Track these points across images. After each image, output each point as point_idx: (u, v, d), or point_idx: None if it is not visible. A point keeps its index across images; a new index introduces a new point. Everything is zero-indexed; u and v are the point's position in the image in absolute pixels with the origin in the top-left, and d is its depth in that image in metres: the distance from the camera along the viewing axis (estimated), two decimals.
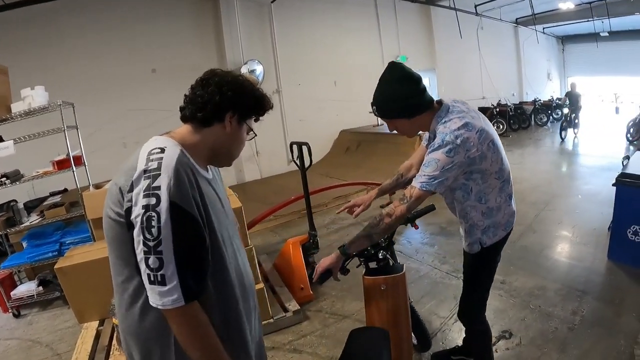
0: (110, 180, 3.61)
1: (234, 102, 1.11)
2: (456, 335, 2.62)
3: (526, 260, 3.48)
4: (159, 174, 0.95)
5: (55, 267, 2.85)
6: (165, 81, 6.26)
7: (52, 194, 4.24)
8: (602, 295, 2.92)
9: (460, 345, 2.36)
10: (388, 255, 1.93)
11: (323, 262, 1.66)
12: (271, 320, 2.85)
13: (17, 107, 3.38)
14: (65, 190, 4.37)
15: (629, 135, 8.68)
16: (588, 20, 11.99)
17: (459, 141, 1.46)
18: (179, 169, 0.98)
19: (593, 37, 14.44)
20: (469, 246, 1.80)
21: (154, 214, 0.92)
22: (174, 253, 0.94)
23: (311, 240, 3.57)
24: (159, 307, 0.96)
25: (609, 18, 10.79)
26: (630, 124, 8.75)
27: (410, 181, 2.00)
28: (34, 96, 3.35)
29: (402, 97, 1.57)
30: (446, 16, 10.65)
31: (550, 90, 15.60)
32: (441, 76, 11.08)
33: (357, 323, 2.86)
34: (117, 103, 6.21)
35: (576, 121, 9.81)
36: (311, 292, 3.27)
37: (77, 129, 3.62)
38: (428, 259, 3.82)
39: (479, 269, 1.85)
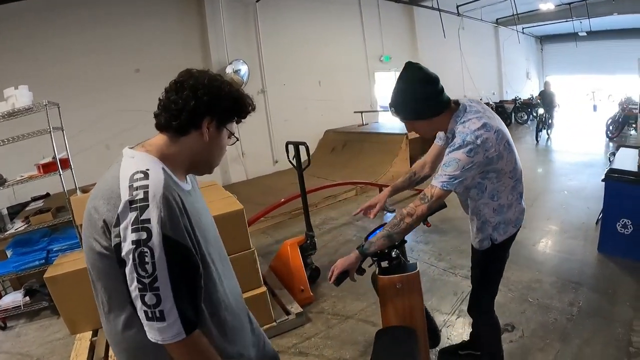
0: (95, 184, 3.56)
1: (210, 106, 1.05)
2: (460, 330, 2.72)
3: (520, 255, 3.61)
4: (147, 205, 0.91)
5: (45, 276, 2.77)
6: (149, 81, 6.11)
7: (35, 199, 4.12)
8: (596, 286, 3.07)
9: (467, 340, 2.43)
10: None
11: (341, 263, 1.68)
12: (274, 323, 2.85)
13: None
14: (48, 195, 4.26)
15: (608, 132, 9.09)
16: (567, 21, 12.47)
17: (479, 141, 1.50)
18: (167, 197, 0.94)
19: (571, 36, 15.07)
20: (479, 242, 1.85)
21: (146, 249, 0.89)
22: (171, 288, 0.91)
23: (308, 241, 3.59)
24: (159, 342, 0.93)
25: (588, 18, 11.25)
26: (609, 122, 9.17)
27: (423, 179, 2.07)
28: (18, 96, 3.26)
29: (421, 98, 1.59)
30: (428, 16, 10.89)
31: (529, 88, 16.11)
32: None
33: (360, 323, 2.91)
34: (100, 104, 6.10)
35: (550, 121, 9.88)
36: (311, 293, 3.30)
37: (62, 131, 3.55)
38: (424, 257, 3.92)
39: (489, 265, 1.91)
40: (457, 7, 11.17)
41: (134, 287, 0.90)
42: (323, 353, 2.65)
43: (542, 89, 10.40)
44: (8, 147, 3.40)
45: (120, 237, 0.90)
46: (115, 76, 6.25)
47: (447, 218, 4.28)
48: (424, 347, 1.84)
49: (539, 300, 2.95)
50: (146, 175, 0.95)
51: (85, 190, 3.45)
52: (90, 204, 0.99)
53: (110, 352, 2.60)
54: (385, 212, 5.05)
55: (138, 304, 0.91)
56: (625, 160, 3.71)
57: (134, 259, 0.89)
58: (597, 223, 4.16)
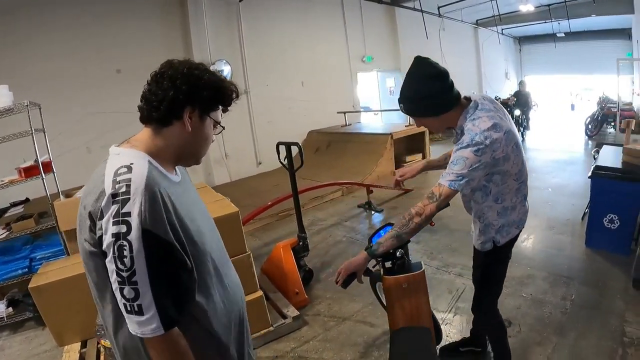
0: (79, 187, 3.46)
1: (190, 95, 1.05)
2: (459, 327, 2.78)
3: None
4: (129, 199, 0.91)
5: (30, 286, 2.67)
6: (131, 82, 5.92)
7: (14, 205, 3.99)
8: (586, 280, 3.20)
9: (467, 337, 2.49)
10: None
11: (349, 265, 1.69)
12: (271, 328, 2.83)
13: None
14: (27, 200, 4.13)
15: (588, 130, 9.43)
16: (546, 22, 12.89)
17: (488, 142, 1.50)
18: (150, 189, 0.95)
19: (550, 37, 15.55)
20: (482, 244, 1.86)
21: (125, 242, 0.90)
22: (150, 283, 0.92)
23: (301, 243, 3.60)
24: (139, 335, 0.95)
25: (568, 19, 11.62)
26: (588, 120, 9.53)
27: None
28: None
29: (431, 95, 1.58)
30: (410, 17, 11.03)
31: (508, 88, 16.53)
32: None
33: (358, 324, 2.94)
34: (80, 105, 5.96)
35: (525, 123, 9.84)
36: (306, 296, 3.31)
37: (44, 133, 3.45)
38: (416, 256, 3.96)
39: (491, 266, 1.92)
40: (439, 8, 11.38)
41: (113, 280, 0.92)
42: (323, 356, 2.66)
43: (517, 89, 10.44)
44: None
45: (102, 229, 0.91)
46: (96, 77, 6.12)
47: (436, 216, 4.32)
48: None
49: (533, 295, 3.05)
50: (130, 169, 0.96)
51: (68, 194, 3.36)
52: (80, 206, 1.00)
53: None
54: (372, 212, 5.09)
55: (118, 296, 0.93)
56: (609, 157, 3.87)
57: (113, 252, 0.90)
58: (582, 219, 4.33)
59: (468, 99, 1.67)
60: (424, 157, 8.32)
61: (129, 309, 0.93)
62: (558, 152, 8.06)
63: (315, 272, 3.72)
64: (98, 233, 0.92)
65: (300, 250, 3.58)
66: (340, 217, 5.36)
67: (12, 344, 3.16)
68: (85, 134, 5.95)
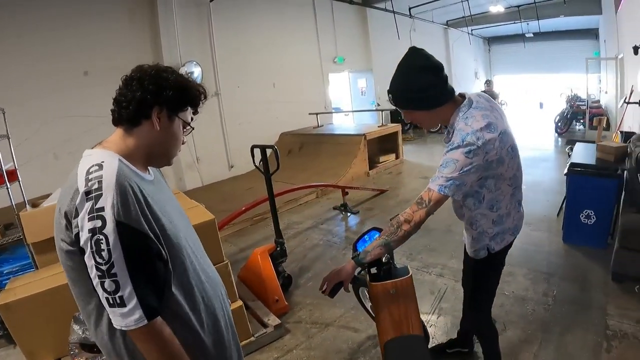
0: (46, 196, 3.28)
1: (157, 96, 1.10)
2: (444, 329, 2.78)
3: None
4: (101, 194, 0.96)
5: None
6: (98, 85, 5.82)
7: None
8: (566, 275, 3.28)
9: (454, 338, 2.49)
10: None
11: (335, 274, 1.64)
12: (252, 338, 2.76)
13: None
14: None
15: (557, 128, 9.79)
16: (515, 23, 13.33)
17: (480, 142, 1.42)
18: (121, 183, 0.99)
19: (519, 37, 16.16)
20: (475, 252, 1.80)
21: (101, 236, 0.94)
22: (129, 273, 0.96)
23: (279, 249, 3.54)
24: (123, 328, 0.99)
25: (538, 20, 12.05)
26: (557, 118, 9.88)
27: None
28: None
29: (422, 87, 1.52)
30: (381, 18, 11.19)
31: (477, 88, 17.03)
32: (377, 77, 11.56)
33: (341, 330, 2.90)
34: (47, 109, 5.68)
35: None
36: (286, 303, 3.24)
37: (8, 139, 3.27)
38: (395, 258, 3.96)
39: (486, 274, 1.88)
40: (410, 9, 11.59)
41: (94, 275, 0.95)
42: None
43: (484, 89, 10.72)
44: None
45: (78, 227, 0.95)
46: (63, 79, 5.86)
47: None
48: None
49: (515, 292, 3.09)
50: (101, 166, 1.01)
51: (35, 204, 3.16)
52: (56, 209, 1.04)
53: None
54: (348, 214, 5.07)
55: (100, 292, 0.96)
56: (583, 154, 3.99)
57: (91, 247, 0.94)
58: (558, 215, 4.45)
59: (463, 96, 1.61)
60: (397, 157, 8.47)
61: (111, 302, 0.96)
62: (529, 149, 8.28)
63: (294, 278, 3.67)
64: (74, 231, 0.96)
65: (278, 256, 3.52)
66: (316, 220, 5.32)
67: None
68: (52, 140, 5.71)
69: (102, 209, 0.95)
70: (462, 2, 10.50)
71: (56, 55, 5.81)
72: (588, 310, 2.75)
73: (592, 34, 14.60)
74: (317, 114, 9.20)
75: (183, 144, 1.24)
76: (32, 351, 2.60)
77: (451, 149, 1.47)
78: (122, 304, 0.96)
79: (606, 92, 10.65)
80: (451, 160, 1.45)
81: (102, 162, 1.02)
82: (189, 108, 1.20)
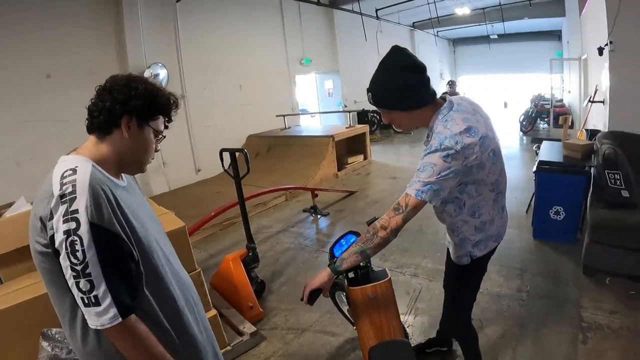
0: (9, 204, 3.07)
1: (126, 104, 1.14)
2: (421, 328, 2.79)
3: None
4: (75, 197, 1.00)
5: None
6: (62, 88, 5.64)
7: None
8: (538, 270, 3.37)
9: (433, 337, 2.50)
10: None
11: (312, 282, 1.61)
12: (228, 347, 2.68)
13: None
14: None
15: (522, 127, 10.14)
16: (480, 24, 13.74)
17: (458, 147, 1.39)
18: (94, 186, 1.03)
19: (484, 39, 16.70)
20: (458, 258, 1.80)
21: (76, 238, 0.98)
22: (102, 273, 0.99)
23: (251, 254, 3.46)
24: (98, 327, 1.01)
25: (503, 22, 12.46)
26: (522, 117, 10.24)
27: None
28: None
29: (402, 87, 1.50)
30: (348, 20, 11.28)
31: (443, 88, 17.44)
32: (344, 78, 11.67)
33: (318, 335, 2.86)
34: (7, 114, 5.37)
35: None
36: (261, 309, 3.18)
37: None
38: (371, 260, 3.98)
39: (468, 279, 1.89)
40: (376, 10, 11.74)
41: (69, 276, 0.99)
42: None
43: (446, 90, 10.72)
44: None
45: (54, 229, 0.99)
46: (24, 83, 5.55)
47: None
48: None
49: (489, 289, 3.15)
50: (75, 171, 1.05)
51: None
52: (31, 214, 1.07)
53: None
54: (318, 216, 5.04)
55: (75, 292, 0.99)
56: (550, 152, 4.10)
57: (66, 248, 0.98)
58: (527, 212, 4.58)
59: (444, 99, 1.59)
60: (365, 158, 8.55)
61: (86, 301, 0.99)
62: None
63: (267, 283, 3.60)
64: (49, 232, 1.00)
65: (250, 261, 3.45)
66: (286, 223, 5.27)
67: None
68: (14, 146, 5.43)
69: (76, 211, 0.99)
70: (428, 4, 10.71)
71: (17, 57, 5.53)
72: (562, 304, 2.84)
73: (555, 35, 15.25)
74: (284, 115, 9.17)
75: (156, 151, 1.27)
76: None
77: (429, 153, 1.44)
78: (97, 302, 0.99)
79: (569, 92, 11.09)
80: (429, 164, 1.42)
81: (76, 167, 1.06)
82: (161, 117, 1.23)
